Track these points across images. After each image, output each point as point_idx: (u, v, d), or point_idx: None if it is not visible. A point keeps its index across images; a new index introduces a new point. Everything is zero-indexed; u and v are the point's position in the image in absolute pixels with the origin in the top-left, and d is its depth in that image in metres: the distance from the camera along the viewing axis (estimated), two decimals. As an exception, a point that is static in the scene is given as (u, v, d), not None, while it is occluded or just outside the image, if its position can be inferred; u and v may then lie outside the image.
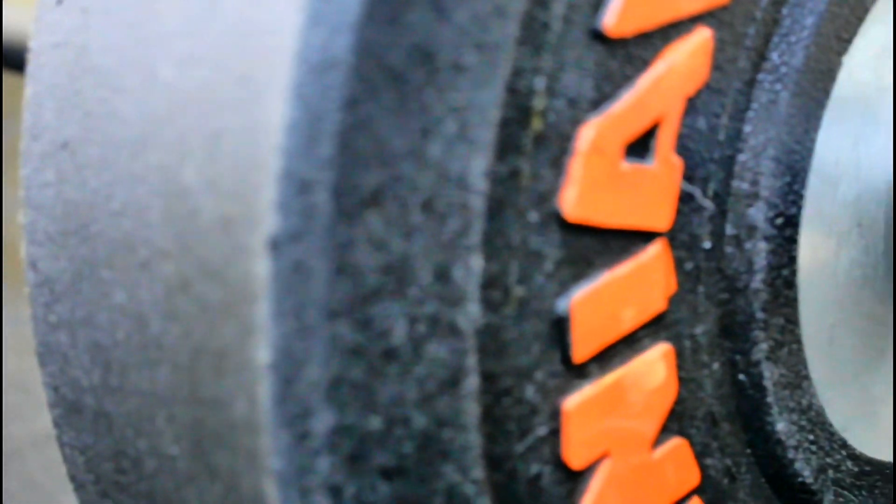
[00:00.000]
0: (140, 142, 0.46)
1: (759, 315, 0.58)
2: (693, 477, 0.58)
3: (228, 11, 0.44)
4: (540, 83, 0.47)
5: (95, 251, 0.48)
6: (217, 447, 0.46)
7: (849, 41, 0.59)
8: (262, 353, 0.43)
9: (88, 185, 0.48)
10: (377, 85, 0.42)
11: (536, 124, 0.48)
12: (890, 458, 0.69)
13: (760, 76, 0.56)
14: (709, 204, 0.54)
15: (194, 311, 0.45)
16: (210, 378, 0.45)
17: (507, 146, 0.47)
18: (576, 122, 0.49)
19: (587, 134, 0.49)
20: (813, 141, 0.59)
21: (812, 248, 0.60)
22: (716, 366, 0.58)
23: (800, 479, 0.63)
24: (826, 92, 0.59)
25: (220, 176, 0.44)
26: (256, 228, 0.42)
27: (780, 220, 0.58)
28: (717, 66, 0.54)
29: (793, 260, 0.59)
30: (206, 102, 0.44)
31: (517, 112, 0.47)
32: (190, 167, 0.45)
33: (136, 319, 0.47)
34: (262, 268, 0.42)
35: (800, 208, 0.59)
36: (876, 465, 0.68)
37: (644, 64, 0.51)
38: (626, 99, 0.50)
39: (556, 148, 0.49)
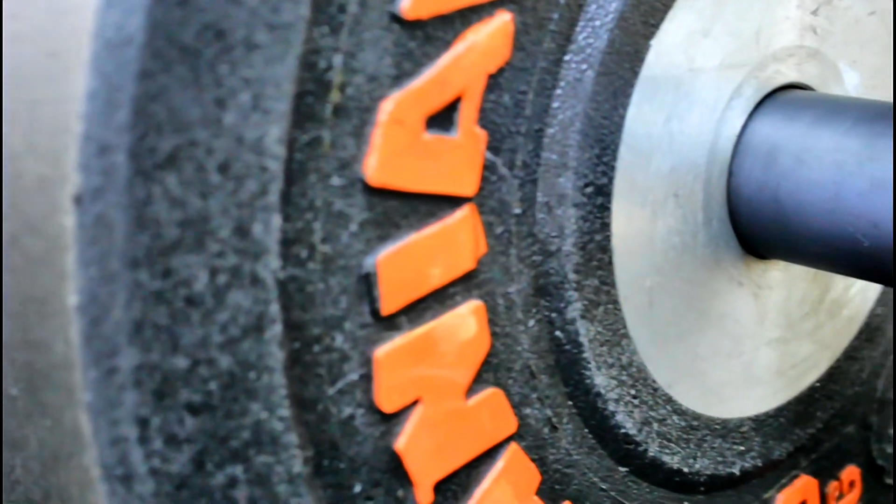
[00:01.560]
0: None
1: (572, 276, 0.63)
2: (510, 425, 0.63)
3: (48, -5, 0.49)
4: (338, 60, 0.53)
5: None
6: (45, 386, 0.52)
7: (656, 26, 0.64)
8: (72, 297, 0.48)
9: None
10: (170, 59, 0.47)
11: (335, 97, 0.53)
12: (719, 413, 0.74)
13: (567, 57, 0.61)
14: (508, 173, 0.60)
15: (22, 262, 0.51)
16: (36, 323, 0.51)
17: (305, 116, 0.52)
18: (377, 96, 0.54)
19: (387, 107, 0.54)
20: (622, 117, 0.64)
21: (627, 216, 0.66)
22: (532, 323, 0.63)
23: (623, 431, 0.69)
24: (634, 72, 0.64)
25: (39, 141, 0.49)
26: (64, 186, 0.48)
27: (589, 189, 0.63)
28: (520, 47, 0.59)
29: (605, 226, 0.64)
30: (29, 76, 0.50)
31: (315, 86, 0.52)
32: (17, 133, 0.50)
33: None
34: (69, 221, 0.48)
35: (611, 179, 0.64)
36: (704, 420, 0.74)
37: (444, 44, 0.56)
38: (426, 76, 0.56)
39: (358, 119, 0.54)
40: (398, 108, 0.55)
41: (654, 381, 0.70)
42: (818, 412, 0.81)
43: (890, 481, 0.90)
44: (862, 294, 0.81)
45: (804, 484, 0.82)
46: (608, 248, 0.65)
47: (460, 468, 0.61)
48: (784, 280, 0.75)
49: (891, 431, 0.89)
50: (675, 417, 0.71)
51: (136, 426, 0.50)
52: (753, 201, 0.69)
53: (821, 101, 0.70)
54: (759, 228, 0.70)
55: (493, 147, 0.59)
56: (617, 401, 0.67)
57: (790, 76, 0.72)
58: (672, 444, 0.72)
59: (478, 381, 0.61)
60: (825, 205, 0.66)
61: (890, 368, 0.87)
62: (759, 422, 0.77)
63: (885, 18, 0.76)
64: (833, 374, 0.81)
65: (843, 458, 0.85)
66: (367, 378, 0.57)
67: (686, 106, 0.67)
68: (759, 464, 0.78)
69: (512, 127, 0.60)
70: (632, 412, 0.69)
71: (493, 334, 0.61)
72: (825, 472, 0.84)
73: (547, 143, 0.61)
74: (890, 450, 0.89)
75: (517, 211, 0.61)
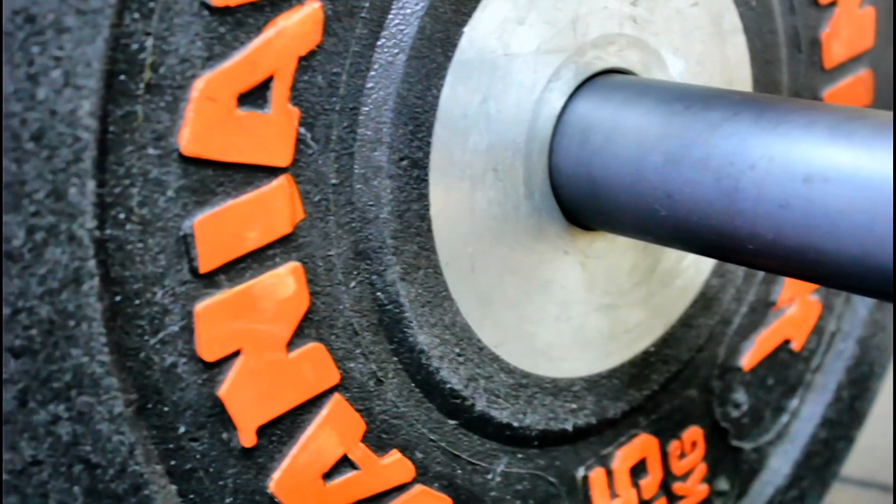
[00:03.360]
0: None
1: (391, 242, 0.70)
2: (332, 376, 0.69)
3: None
4: (149, 43, 0.59)
5: None
6: None
7: (468, 14, 0.71)
8: None
9: None
10: (-17, 40, 0.54)
11: (147, 76, 0.59)
12: (549, 373, 0.80)
13: (380, 42, 0.68)
14: (323, 147, 0.66)
15: None
16: None
17: (118, 92, 0.58)
18: (189, 76, 0.61)
19: (199, 85, 0.61)
20: (436, 97, 0.70)
21: (445, 188, 0.72)
22: (353, 284, 0.69)
23: (449, 386, 0.75)
24: (446, 56, 0.70)
25: None
26: None
27: (405, 163, 0.69)
28: (332, 33, 0.65)
29: (423, 196, 0.71)
30: None
31: (127, 65, 0.58)
32: None
33: None
34: None
35: (427, 153, 0.70)
36: (534, 378, 0.80)
37: (256, 29, 0.62)
38: (237, 58, 0.62)
39: (171, 96, 0.60)
40: (209, 87, 0.61)
41: (479, 341, 0.76)
42: (653, 375, 0.87)
43: (736, 443, 0.97)
44: (696, 265, 0.88)
45: (644, 442, 0.89)
46: (426, 216, 0.71)
47: (283, 415, 0.68)
48: (611, 250, 0.82)
49: (735, 396, 0.95)
50: (502, 375, 0.78)
51: (-41, 367, 0.56)
52: (571, 177, 0.76)
53: (633, 84, 0.77)
54: (578, 202, 0.77)
55: (307, 123, 0.65)
56: (441, 358, 0.74)
57: (611, 62, 0.78)
58: (500, 400, 0.78)
59: (299, 336, 0.68)
60: (628, 178, 0.72)
61: (732, 336, 0.93)
62: (592, 382, 0.83)
63: (708, 8, 0.83)
64: (668, 340, 0.87)
65: (685, 419, 0.92)
66: (188, 330, 0.63)
67: (502, 88, 0.73)
68: (594, 421, 0.84)
69: (326, 105, 0.66)
70: (457, 369, 0.75)
71: (314, 293, 0.68)
72: (666, 431, 0.90)
73: (362, 119, 0.68)
74: (735, 413, 0.96)
75: (334, 181, 0.67)
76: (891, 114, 0.66)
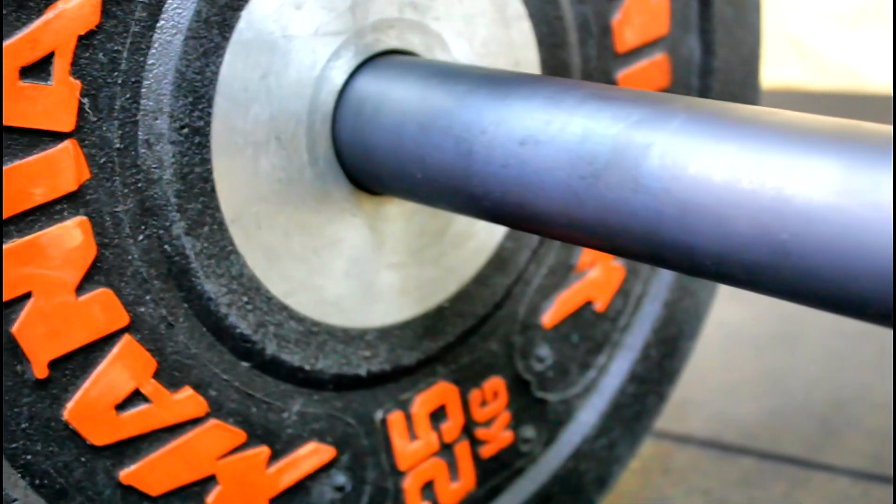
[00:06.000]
0: None
1: (175, 200, 0.79)
2: (122, 319, 0.79)
3: None
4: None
5: None
6: None
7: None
8: None
9: None
10: None
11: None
12: (340, 323, 0.90)
13: (160, 23, 0.77)
14: (106, 115, 0.75)
15: None
16: None
17: None
18: (-25, 51, 0.70)
19: (-16, 60, 0.70)
20: (215, 73, 0.79)
21: (229, 153, 0.81)
22: (141, 237, 0.79)
23: (238, 331, 0.84)
24: (224, 37, 0.79)
25: None
26: None
27: (185, 130, 0.79)
28: (111, 15, 0.75)
29: (206, 160, 0.80)
30: None
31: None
32: None
33: None
34: None
35: (207, 123, 0.80)
36: (324, 327, 0.89)
37: (37, 12, 0.72)
38: (18, 36, 0.71)
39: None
40: (-8, 61, 0.70)
41: (268, 292, 0.85)
42: (448, 328, 0.96)
43: (541, 394, 1.06)
44: (488, 228, 0.97)
45: (443, 389, 0.98)
46: (210, 178, 0.80)
47: (75, 351, 0.77)
48: (400, 213, 0.91)
49: (539, 351, 1.04)
50: (292, 323, 0.87)
51: None
52: (350, 145, 0.85)
53: (405, 63, 0.86)
54: (357, 168, 0.86)
55: (89, 94, 0.75)
56: (229, 305, 0.83)
57: (391, 44, 0.88)
58: (291, 346, 0.87)
59: (88, 282, 0.77)
60: (391, 145, 0.82)
61: (532, 295, 1.03)
62: (385, 332, 0.92)
63: (490, -3, 0.92)
64: (462, 296, 0.97)
65: (486, 370, 1.01)
66: (-21, 274, 0.72)
67: (282, 66, 0.83)
68: (388, 368, 0.93)
69: (108, 78, 0.75)
70: (245, 316, 0.84)
71: (102, 245, 0.77)
72: (466, 381, 1.00)
73: (144, 92, 0.77)
74: (539, 367, 1.05)
75: (119, 146, 0.77)
76: (602, 85, 0.76)
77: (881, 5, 3.03)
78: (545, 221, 0.74)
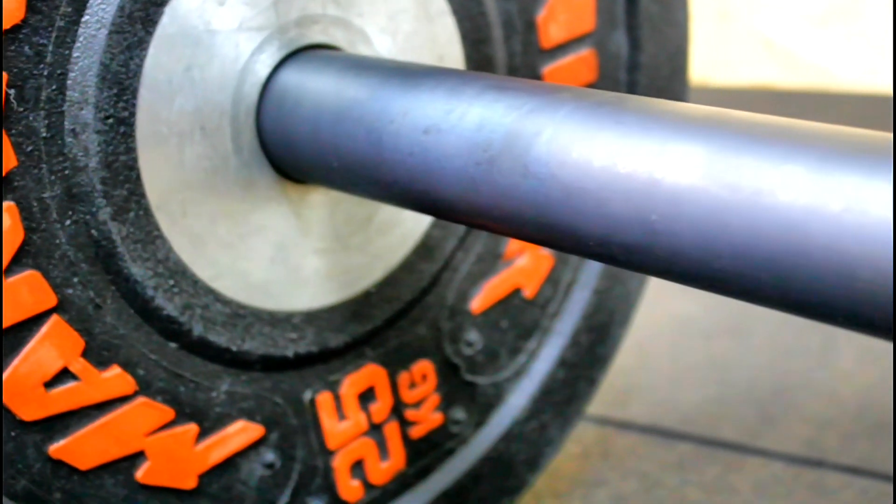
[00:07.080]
0: None
1: (100, 187, 0.83)
2: (49, 300, 0.82)
3: None
4: None
5: None
6: None
7: (168, -4, 0.84)
8: None
9: None
10: None
11: None
12: (267, 306, 0.94)
13: (85, 18, 0.81)
14: (31, 105, 0.79)
15: None
16: None
17: None
18: None
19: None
20: (139, 66, 0.83)
21: (154, 142, 0.85)
22: (68, 222, 0.83)
23: (165, 313, 0.88)
24: (147, 31, 0.83)
25: None
26: None
27: (111, 121, 0.83)
28: (36, 11, 0.79)
29: (131, 149, 0.84)
30: None
31: None
32: None
33: None
34: None
35: (132, 113, 0.84)
36: (251, 310, 0.93)
37: (-37, 6, 0.76)
38: (-55, 29, 0.75)
39: None
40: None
41: (194, 275, 0.89)
42: (375, 312, 1.00)
43: (470, 378, 1.10)
44: (414, 217, 1.01)
45: (371, 371, 1.02)
46: (135, 166, 0.84)
47: (4, 330, 0.81)
48: (326, 201, 0.95)
49: (468, 335, 1.08)
50: (218, 305, 0.91)
51: None
52: (273, 135, 0.89)
53: (327, 57, 0.90)
54: (280, 158, 0.90)
55: (15, 85, 0.79)
56: (155, 288, 0.87)
57: (315, 39, 0.92)
58: (218, 327, 0.91)
59: (16, 264, 0.81)
60: (309, 135, 0.86)
61: (460, 282, 1.07)
62: (312, 315, 0.96)
63: (413, -5, 0.96)
64: (389, 282, 1.01)
65: (415, 353, 1.05)
66: None
67: (206, 59, 0.86)
68: (315, 350, 0.97)
69: (34, 70, 0.79)
70: (172, 298, 0.88)
71: (29, 229, 0.81)
72: (395, 363, 1.04)
73: (70, 84, 0.81)
74: (468, 351, 1.09)
75: (45, 135, 0.81)
76: (502, 77, 0.80)
77: (851, 5, 3.08)
78: (448, 207, 0.78)
